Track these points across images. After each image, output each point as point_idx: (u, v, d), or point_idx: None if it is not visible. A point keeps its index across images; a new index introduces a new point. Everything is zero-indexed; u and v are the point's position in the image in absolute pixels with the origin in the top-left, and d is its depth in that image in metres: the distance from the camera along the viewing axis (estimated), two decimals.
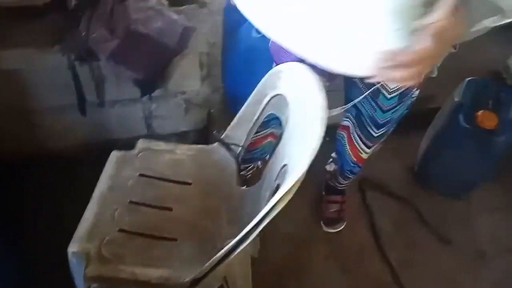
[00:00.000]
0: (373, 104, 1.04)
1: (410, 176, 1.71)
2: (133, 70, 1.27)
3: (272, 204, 0.66)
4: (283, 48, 0.84)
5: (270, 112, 0.98)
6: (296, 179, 0.64)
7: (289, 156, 0.77)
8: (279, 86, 0.91)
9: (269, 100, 0.96)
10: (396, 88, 0.98)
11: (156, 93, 1.45)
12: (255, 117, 1.00)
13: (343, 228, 1.50)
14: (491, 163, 1.46)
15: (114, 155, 1.02)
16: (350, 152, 1.24)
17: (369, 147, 1.17)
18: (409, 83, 0.61)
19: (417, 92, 1.02)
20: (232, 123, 1.06)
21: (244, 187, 1.06)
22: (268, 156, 1.13)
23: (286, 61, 0.89)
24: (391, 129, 1.13)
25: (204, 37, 1.39)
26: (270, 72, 0.97)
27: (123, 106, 1.46)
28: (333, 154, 1.46)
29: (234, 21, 1.64)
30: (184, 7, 1.40)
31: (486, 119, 1.39)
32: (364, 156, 1.22)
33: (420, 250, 1.49)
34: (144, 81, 1.32)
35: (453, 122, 1.45)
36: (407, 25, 0.51)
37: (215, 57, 1.76)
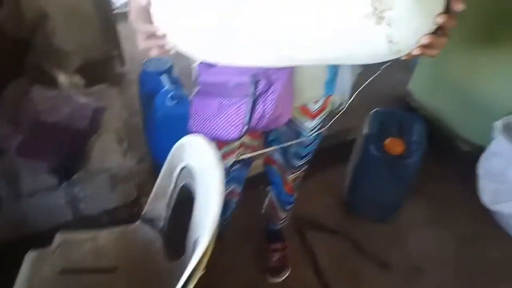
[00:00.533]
0: (295, 143, 1.15)
1: (342, 207, 1.80)
2: (44, 161, 1.25)
3: (183, 281, 0.67)
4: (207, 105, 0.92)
5: (183, 183, 1.00)
6: (200, 254, 0.66)
7: (199, 229, 0.79)
8: (185, 158, 0.95)
9: (180, 172, 0.98)
10: (315, 126, 1.11)
11: (77, 175, 1.43)
12: (170, 190, 1.02)
13: (288, 274, 1.52)
14: (405, 185, 1.58)
15: (30, 256, 0.97)
16: (282, 182, 1.34)
17: (293, 174, 1.30)
18: (437, 53, 0.64)
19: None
20: (150, 198, 1.07)
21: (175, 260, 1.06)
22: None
23: (206, 122, 0.95)
24: (311, 156, 1.26)
25: (117, 113, 1.42)
26: (176, 144, 1.00)
27: (42, 196, 1.41)
28: (268, 188, 1.51)
29: (149, 90, 1.69)
30: (93, 88, 1.43)
31: (393, 145, 1.52)
32: (291, 183, 1.32)
33: (363, 278, 1.54)
34: (59, 168, 1.30)
35: (366, 152, 1.56)
36: None
37: (136, 128, 1.78)
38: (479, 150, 1.74)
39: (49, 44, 2.02)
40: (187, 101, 1.54)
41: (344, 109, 1.08)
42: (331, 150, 1.84)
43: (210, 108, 0.95)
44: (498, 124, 1.60)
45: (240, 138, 0.93)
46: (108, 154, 1.47)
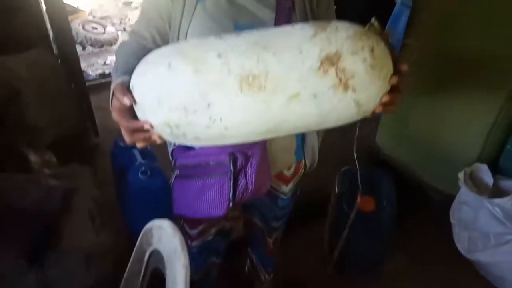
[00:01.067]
0: (274, 207, 1.22)
1: (325, 265, 1.77)
2: (12, 248, 1.21)
3: None
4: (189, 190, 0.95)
5: (154, 267, 0.99)
6: None
7: None
8: (153, 243, 0.94)
9: (149, 256, 0.97)
10: (290, 189, 1.17)
11: (49, 258, 1.38)
12: (141, 275, 1.00)
13: None
14: (382, 241, 1.60)
15: None
16: (263, 244, 1.36)
17: (272, 235, 1.33)
18: (395, 109, 0.74)
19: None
20: (122, 283, 1.04)
21: None
22: None
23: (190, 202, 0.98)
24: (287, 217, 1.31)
25: (89, 191, 1.41)
26: (144, 228, 1.00)
27: (10, 284, 1.35)
28: (249, 251, 1.51)
29: (122, 164, 1.69)
30: (63, 168, 1.43)
31: (365, 203, 1.55)
32: (271, 245, 1.35)
33: None
34: (28, 254, 1.26)
35: (339, 211, 1.59)
36: None
37: (110, 202, 1.76)
38: (450, 198, 1.79)
39: (21, 121, 2.03)
40: (160, 174, 1.56)
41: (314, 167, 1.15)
42: (310, 207, 1.86)
43: (192, 190, 0.98)
44: (461, 174, 1.66)
45: (225, 214, 0.95)
46: (81, 233, 1.44)
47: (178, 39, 0.90)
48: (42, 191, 1.26)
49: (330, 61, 0.64)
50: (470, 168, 1.70)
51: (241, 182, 0.91)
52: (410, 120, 2.04)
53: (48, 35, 2.31)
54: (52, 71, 2.18)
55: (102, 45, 3.75)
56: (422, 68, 1.87)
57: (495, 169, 1.73)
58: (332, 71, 0.64)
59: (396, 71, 0.70)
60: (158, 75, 0.67)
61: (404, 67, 0.71)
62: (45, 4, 2.19)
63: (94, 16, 4.45)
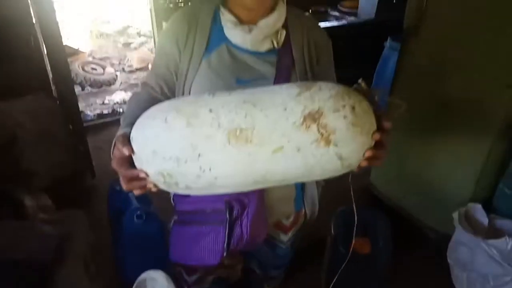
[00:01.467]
0: (272, 255, 1.21)
1: None
2: None
3: None
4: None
5: None
6: None
7: None
8: None
9: None
10: (289, 239, 1.17)
11: None
12: None
13: None
14: (378, 283, 1.58)
15: None
16: None
17: (271, 284, 1.34)
18: (380, 163, 0.76)
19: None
20: None
21: None
22: None
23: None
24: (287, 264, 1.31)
25: (84, 237, 1.40)
26: (138, 279, 1.00)
27: None
28: None
29: (118, 207, 1.69)
30: (58, 213, 1.43)
31: (361, 246, 1.54)
32: None
33: None
34: None
35: (335, 253, 1.57)
36: None
37: (105, 246, 1.74)
38: (446, 237, 1.78)
39: (17, 166, 2.04)
40: (156, 218, 1.56)
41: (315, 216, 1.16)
42: (308, 249, 1.84)
43: (188, 237, 0.99)
44: (456, 215, 1.67)
45: (219, 263, 0.95)
46: (75, 282, 1.41)
47: (183, 92, 0.95)
48: (36, 239, 1.26)
49: (312, 117, 0.68)
50: (464, 208, 1.71)
51: (236, 231, 0.92)
52: (403, 160, 2.06)
53: (48, 78, 2.37)
54: (50, 114, 2.21)
55: (101, 85, 3.82)
56: (414, 109, 1.92)
57: (489, 209, 1.74)
58: (314, 126, 0.68)
59: (380, 128, 0.74)
60: (155, 128, 0.73)
61: (388, 125, 0.74)
62: (46, 48, 2.26)
63: (94, 57, 4.56)
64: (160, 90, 0.97)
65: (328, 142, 0.69)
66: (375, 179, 2.29)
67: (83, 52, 4.23)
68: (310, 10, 3.11)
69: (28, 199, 1.70)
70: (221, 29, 0.93)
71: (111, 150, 0.81)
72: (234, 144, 0.69)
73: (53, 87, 2.44)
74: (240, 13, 0.92)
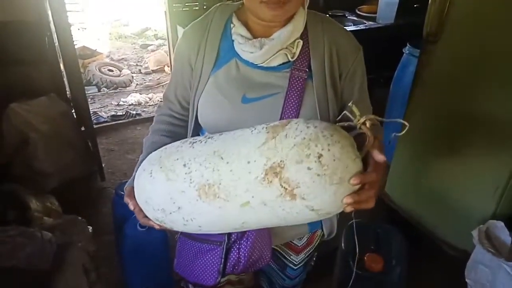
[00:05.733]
0: (282, 275, 1.14)
1: None
2: None
3: None
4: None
5: None
6: None
7: None
8: None
9: None
10: (302, 260, 1.09)
11: None
12: None
13: None
14: None
15: None
16: None
17: None
18: (372, 204, 0.68)
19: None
20: None
21: None
22: None
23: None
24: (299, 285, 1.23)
25: (85, 245, 1.38)
26: None
27: None
28: None
29: (121, 214, 1.67)
30: (61, 219, 1.41)
31: (372, 262, 1.46)
32: None
33: None
34: None
35: (345, 268, 1.50)
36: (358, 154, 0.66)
37: (109, 250, 1.72)
38: (465, 254, 1.68)
39: (28, 167, 2.05)
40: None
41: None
42: (318, 262, 1.77)
43: (190, 251, 0.95)
44: (475, 232, 1.57)
45: (216, 285, 0.91)
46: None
47: (194, 108, 0.92)
48: (36, 246, 1.24)
49: (274, 171, 0.64)
50: (485, 225, 1.61)
51: (233, 255, 0.87)
52: (420, 171, 1.97)
53: (60, 81, 2.38)
54: (63, 116, 2.22)
55: (116, 87, 3.85)
56: (432, 119, 1.84)
57: None
58: (276, 181, 0.64)
59: (372, 161, 0.67)
60: (144, 181, 0.78)
61: (380, 157, 0.67)
62: (60, 51, 2.27)
63: (112, 59, 4.61)
64: (178, 103, 0.98)
65: (293, 196, 0.64)
66: (390, 189, 2.20)
67: (101, 54, 4.28)
68: (328, 15, 3.04)
69: (34, 203, 1.70)
70: (231, 43, 0.87)
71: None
72: (204, 199, 0.69)
73: (67, 89, 2.46)
74: (255, 26, 0.85)
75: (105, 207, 2.21)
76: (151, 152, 0.85)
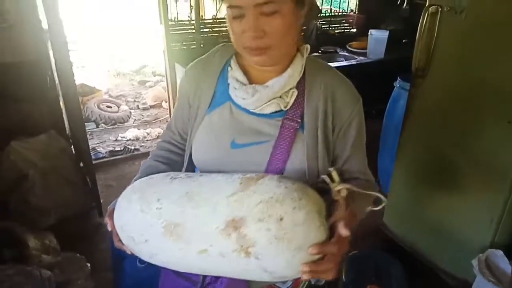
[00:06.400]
0: None
1: None
2: None
3: None
4: None
5: None
6: None
7: None
8: None
9: None
10: None
11: None
12: None
13: None
14: None
15: None
16: None
17: None
18: (330, 276, 0.66)
19: None
20: None
21: None
22: None
23: None
24: None
25: (83, 284, 1.36)
26: None
27: None
28: None
29: (119, 252, 1.65)
30: (59, 257, 1.41)
31: None
32: None
33: None
34: None
35: None
36: (324, 223, 0.65)
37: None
38: (466, 284, 1.67)
39: (25, 204, 2.05)
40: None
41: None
42: None
43: (170, 283, 0.93)
44: (475, 262, 1.57)
45: None
46: None
47: (189, 145, 0.92)
48: (35, 285, 1.23)
49: (234, 225, 0.64)
50: (484, 254, 1.61)
51: None
52: (417, 201, 1.99)
53: (60, 117, 2.42)
54: (62, 153, 2.24)
55: (115, 123, 3.89)
56: (425, 151, 1.88)
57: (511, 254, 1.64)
58: (234, 235, 0.64)
59: (337, 234, 0.65)
60: (122, 207, 0.79)
61: (344, 232, 0.65)
62: (60, 89, 2.33)
63: (110, 95, 4.69)
64: (178, 134, 1.00)
65: (248, 254, 0.64)
66: (388, 218, 2.20)
67: (99, 91, 4.35)
68: (320, 51, 3.15)
69: (32, 240, 1.69)
70: (227, 86, 0.86)
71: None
72: (169, 237, 0.70)
73: (66, 126, 2.50)
74: (252, 70, 0.85)
75: (103, 243, 2.18)
76: (143, 176, 0.88)
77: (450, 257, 1.86)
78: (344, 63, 2.94)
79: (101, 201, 2.46)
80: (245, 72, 0.85)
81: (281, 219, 0.62)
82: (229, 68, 0.87)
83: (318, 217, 0.64)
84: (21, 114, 2.24)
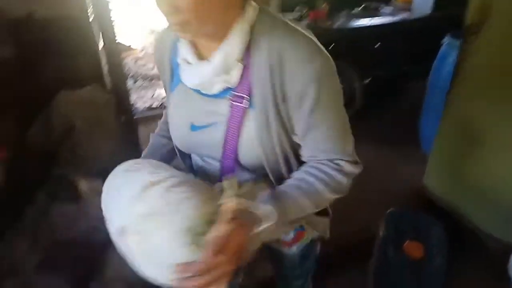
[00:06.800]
0: (282, 266, 1.07)
1: None
2: (61, 277, 1.25)
3: None
4: None
5: None
6: None
7: None
8: None
9: None
10: (295, 253, 1.00)
11: (93, 284, 1.41)
12: None
13: None
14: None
15: None
16: None
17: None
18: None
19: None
20: None
21: None
22: None
23: None
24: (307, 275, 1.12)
25: None
26: None
27: None
28: None
29: None
30: None
31: (413, 249, 1.47)
32: None
33: None
34: (74, 283, 1.30)
35: (384, 256, 1.51)
36: (196, 240, 0.62)
37: None
38: (509, 247, 1.65)
39: (73, 154, 2.15)
40: None
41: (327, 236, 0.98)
42: (352, 248, 1.77)
43: None
44: None
45: None
46: (124, 263, 1.46)
47: None
48: (90, 222, 1.31)
49: (122, 230, 0.67)
50: None
51: None
52: (462, 161, 1.94)
53: (102, 73, 2.48)
54: (104, 107, 2.31)
55: (151, 79, 3.96)
56: (472, 111, 1.81)
57: None
58: (123, 240, 0.69)
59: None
60: (112, 181, 0.80)
61: (206, 258, 0.62)
62: (102, 44, 2.36)
63: (145, 53, 4.73)
64: None
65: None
66: (428, 180, 2.17)
67: (135, 49, 4.39)
68: (362, 6, 3.01)
69: (83, 184, 1.79)
70: (178, 65, 0.79)
71: None
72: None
73: (107, 81, 2.55)
74: (198, 43, 0.75)
75: None
76: (148, 153, 0.96)
77: (494, 220, 1.83)
78: (387, 20, 2.80)
79: (142, 153, 2.55)
80: (195, 46, 0.76)
81: (151, 235, 0.63)
82: (179, 44, 0.78)
83: (186, 235, 0.62)
84: (63, 69, 2.30)
